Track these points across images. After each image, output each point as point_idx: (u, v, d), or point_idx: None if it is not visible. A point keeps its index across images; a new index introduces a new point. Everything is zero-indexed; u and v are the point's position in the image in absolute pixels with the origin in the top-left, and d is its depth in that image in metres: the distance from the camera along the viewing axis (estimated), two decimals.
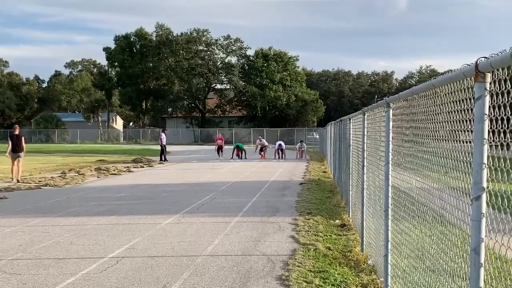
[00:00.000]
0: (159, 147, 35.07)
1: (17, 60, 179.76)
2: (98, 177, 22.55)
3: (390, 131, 5.75)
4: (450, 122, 3.49)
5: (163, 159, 33.44)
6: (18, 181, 19.88)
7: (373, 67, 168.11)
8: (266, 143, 38.16)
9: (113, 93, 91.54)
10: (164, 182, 20.40)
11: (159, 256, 8.21)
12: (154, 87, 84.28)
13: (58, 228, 10.54)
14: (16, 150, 20.53)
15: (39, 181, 20.10)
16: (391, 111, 5.76)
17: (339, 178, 15.51)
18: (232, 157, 35.49)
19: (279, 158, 36.13)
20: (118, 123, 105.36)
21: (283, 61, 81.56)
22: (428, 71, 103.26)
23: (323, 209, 12.69)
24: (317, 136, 59.29)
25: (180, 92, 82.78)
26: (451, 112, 3.44)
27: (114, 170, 25.31)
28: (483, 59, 2.72)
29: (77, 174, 23.36)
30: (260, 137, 40.26)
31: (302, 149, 38.33)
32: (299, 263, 7.57)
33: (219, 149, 36.78)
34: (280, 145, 37.33)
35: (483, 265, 2.88)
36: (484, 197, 2.83)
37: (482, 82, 2.78)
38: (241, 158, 35.42)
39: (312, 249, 8.42)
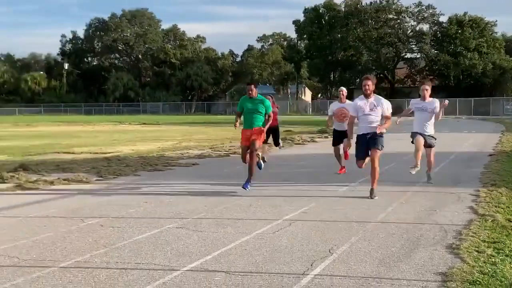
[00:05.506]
0: None
1: (213, 36, 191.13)
2: (282, 146, 23.28)
3: None
4: None
5: None
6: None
7: None
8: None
9: (301, 65, 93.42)
10: None
11: (331, 221, 8.38)
12: (342, 58, 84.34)
13: (240, 192, 11.17)
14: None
15: (228, 150, 21.37)
16: None
17: None
18: None
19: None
20: (307, 95, 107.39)
21: (479, 27, 76.90)
22: None
23: (510, 181, 11.93)
24: None
25: (368, 63, 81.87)
26: None
27: (298, 140, 26.00)
28: None
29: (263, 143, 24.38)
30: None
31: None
32: (473, 233, 7.26)
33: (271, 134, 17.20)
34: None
35: None
36: None
37: None
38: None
39: (489, 220, 8.01)
